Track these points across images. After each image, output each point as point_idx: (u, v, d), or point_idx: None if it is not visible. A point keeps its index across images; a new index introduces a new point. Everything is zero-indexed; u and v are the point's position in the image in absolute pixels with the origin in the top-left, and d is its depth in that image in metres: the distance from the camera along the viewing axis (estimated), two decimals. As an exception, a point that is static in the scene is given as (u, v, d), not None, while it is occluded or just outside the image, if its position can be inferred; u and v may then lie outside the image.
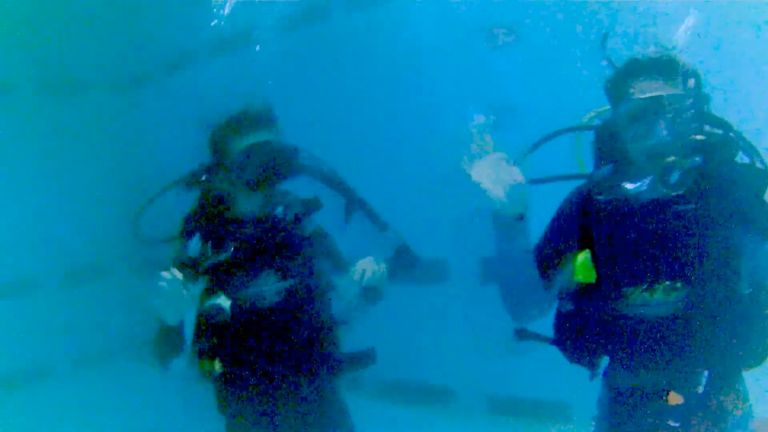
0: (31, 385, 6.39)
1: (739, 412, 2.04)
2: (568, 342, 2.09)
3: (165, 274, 2.37)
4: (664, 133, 1.91)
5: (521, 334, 2.13)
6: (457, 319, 4.68)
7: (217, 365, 2.62)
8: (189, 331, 2.52)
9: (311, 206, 2.72)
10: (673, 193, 1.94)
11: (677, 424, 1.98)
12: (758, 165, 2.00)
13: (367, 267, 2.55)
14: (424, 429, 4.31)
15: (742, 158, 2.04)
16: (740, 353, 1.96)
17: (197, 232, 2.63)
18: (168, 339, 2.50)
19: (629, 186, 2.01)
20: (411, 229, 2.77)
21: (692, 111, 1.95)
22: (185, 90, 5.99)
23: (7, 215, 6.48)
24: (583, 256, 2.05)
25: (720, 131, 2.01)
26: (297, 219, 2.71)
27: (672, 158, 1.90)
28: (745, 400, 2.09)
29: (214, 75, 5.85)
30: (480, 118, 1.96)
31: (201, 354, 2.63)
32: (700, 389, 1.97)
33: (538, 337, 2.13)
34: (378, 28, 5.05)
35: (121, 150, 6.97)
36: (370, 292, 2.60)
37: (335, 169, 2.76)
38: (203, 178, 2.68)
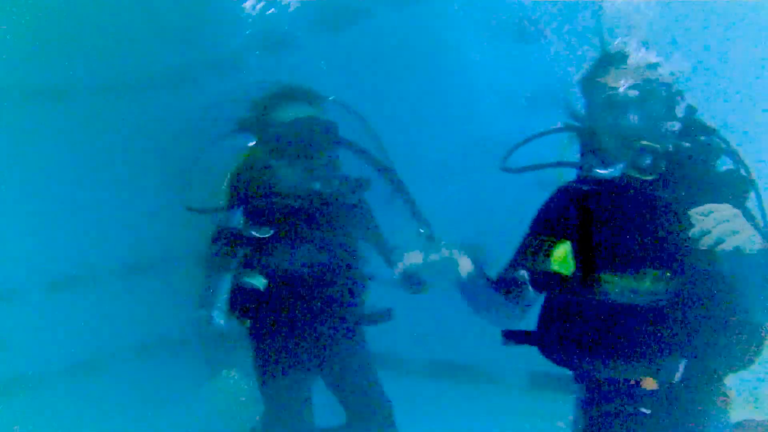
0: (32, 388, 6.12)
1: (717, 411, 2.03)
2: (549, 340, 2.08)
3: None
4: (636, 118, 1.94)
5: (507, 339, 2.12)
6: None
7: (249, 324, 2.85)
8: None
9: (361, 184, 2.78)
10: (646, 178, 1.94)
11: (648, 411, 1.97)
12: (741, 172, 2.00)
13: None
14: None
15: (725, 163, 2.05)
16: (722, 352, 1.95)
17: (241, 205, 2.72)
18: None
19: (601, 171, 2.02)
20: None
21: (665, 99, 1.97)
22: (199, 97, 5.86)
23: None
24: (563, 248, 2.06)
25: (700, 131, 2.03)
26: (345, 193, 2.78)
27: (644, 142, 1.91)
28: (726, 402, 2.07)
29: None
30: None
31: (238, 315, 2.84)
32: (677, 376, 1.94)
33: (524, 339, 2.12)
34: (415, 26, 5.03)
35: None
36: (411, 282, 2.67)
37: (370, 149, 2.82)
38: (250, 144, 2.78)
